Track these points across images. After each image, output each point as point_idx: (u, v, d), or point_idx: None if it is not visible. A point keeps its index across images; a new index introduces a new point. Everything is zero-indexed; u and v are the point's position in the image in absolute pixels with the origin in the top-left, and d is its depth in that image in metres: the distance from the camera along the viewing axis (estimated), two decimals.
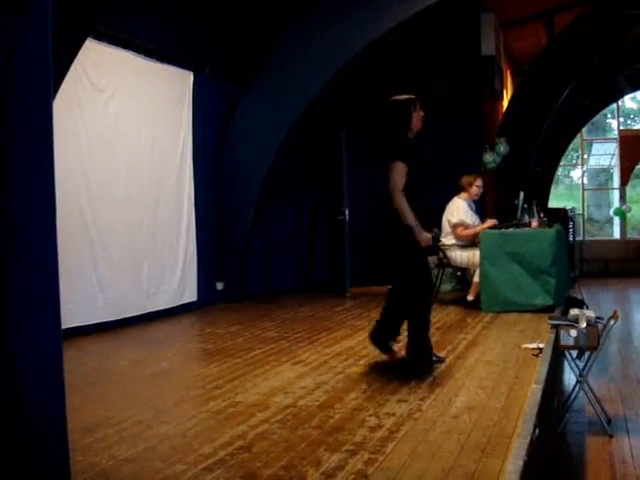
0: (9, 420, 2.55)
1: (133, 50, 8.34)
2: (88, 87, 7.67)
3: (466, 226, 9.09)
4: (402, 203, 5.60)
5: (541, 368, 5.35)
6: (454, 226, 9.10)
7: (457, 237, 9.12)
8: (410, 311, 5.79)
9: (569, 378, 7.01)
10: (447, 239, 9.19)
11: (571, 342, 5.78)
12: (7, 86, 2.56)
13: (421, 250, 5.72)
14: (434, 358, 5.84)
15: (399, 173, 5.61)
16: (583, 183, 20.42)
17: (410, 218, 5.63)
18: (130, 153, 8.37)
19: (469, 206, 9.28)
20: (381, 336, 6.03)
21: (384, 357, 6.08)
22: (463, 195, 9.29)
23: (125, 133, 8.28)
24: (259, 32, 10.21)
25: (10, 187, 2.56)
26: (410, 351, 5.73)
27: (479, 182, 9.32)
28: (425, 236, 5.67)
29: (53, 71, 2.77)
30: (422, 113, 5.86)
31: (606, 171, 21.08)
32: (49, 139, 2.74)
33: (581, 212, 19.26)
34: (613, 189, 20.18)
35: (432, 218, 9.35)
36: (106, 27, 7.47)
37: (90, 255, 7.72)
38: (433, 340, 6.84)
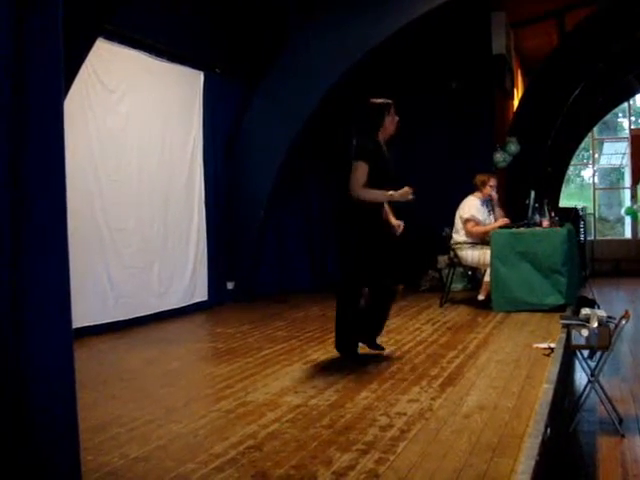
0: (20, 420, 2.56)
1: (143, 50, 8.36)
2: (98, 87, 7.69)
3: (477, 222, 9.10)
4: (366, 193, 5.83)
5: (552, 368, 5.33)
6: (465, 221, 9.12)
7: (467, 233, 9.13)
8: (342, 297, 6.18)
9: (580, 378, 6.98)
10: (458, 235, 9.20)
11: (582, 342, 5.75)
12: (18, 86, 2.56)
13: (370, 247, 5.91)
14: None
15: (360, 172, 5.82)
16: (594, 182, 20.35)
17: (379, 195, 5.89)
18: (141, 153, 8.39)
19: (483, 204, 9.30)
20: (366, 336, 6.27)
21: (395, 356, 6.09)
22: (477, 194, 9.32)
23: (136, 133, 8.30)
24: (269, 31, 10.21)
25: (21, 187, 2.57)
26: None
27: (493, 182, 9.34)
28: (402, 191, 5.89)
29: (64, 71, 2.77)
30: (396, 118, 6.10)
31: (617, 170, 21.00)
32: (60, 139, 2.75)
33: (592, 211, 19.22)
34: (624, 188, 20.10)
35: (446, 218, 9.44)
36: (116, 27, 7.47)
37: (101, 254, 7.74)
38: (444, 339, 6.86)
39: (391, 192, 5.86)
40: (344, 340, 6.09)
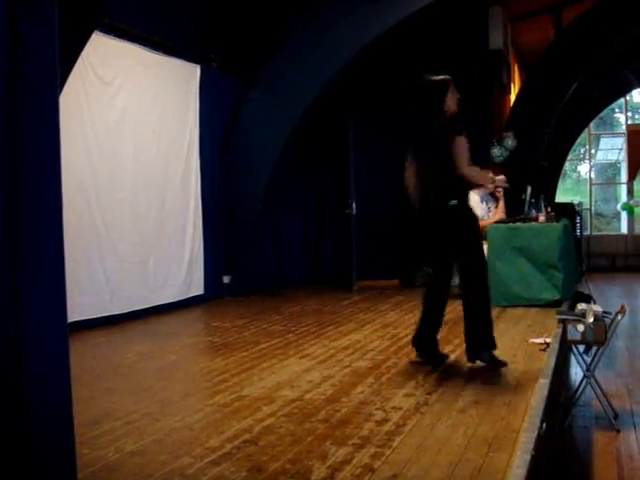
0: (15, 413, 2.55)
1: (140, 43, 8.33)
2: (94, 80, 7.67)
3: None
4: (474, 171, 5.60)
5: (548, 362, 5.33)
6: None
7: None
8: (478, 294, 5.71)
9: (576, 373, 6.99)
10: None
11: (578, 337, 5.76)
12: (13, 79, 2.55)
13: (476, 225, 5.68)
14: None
15: (463, 147, 5.48)
16: (591, 178, 20.37)
17: (482, 176, 5.79)
18: (137, 146, 8.38)
19: (483, 200, 9.32)
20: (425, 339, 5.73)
21: (390, 351, 6.09)
22: (477, 190, 9.34)
23: (132, 126, 8.28)
24: (266, 25, 10.20)
25: (17, 180, 2.56)
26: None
27: (490, 174, 9.39)
28: (502, 177, 5.96)
29: (59, 64, 2.76)
30: (457, 95, 5.60)
31: (614, 166, 21.02)
32: (56, 133, 2.73)
33: (588, 207, 19.24)
34: (620, 184, 20.13)
35: None
36: (113, 20, 7.45)
37: (97, 248, 7.72)
38: (441, 334, 6.83)
39: (492, 175, 5.71)
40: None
